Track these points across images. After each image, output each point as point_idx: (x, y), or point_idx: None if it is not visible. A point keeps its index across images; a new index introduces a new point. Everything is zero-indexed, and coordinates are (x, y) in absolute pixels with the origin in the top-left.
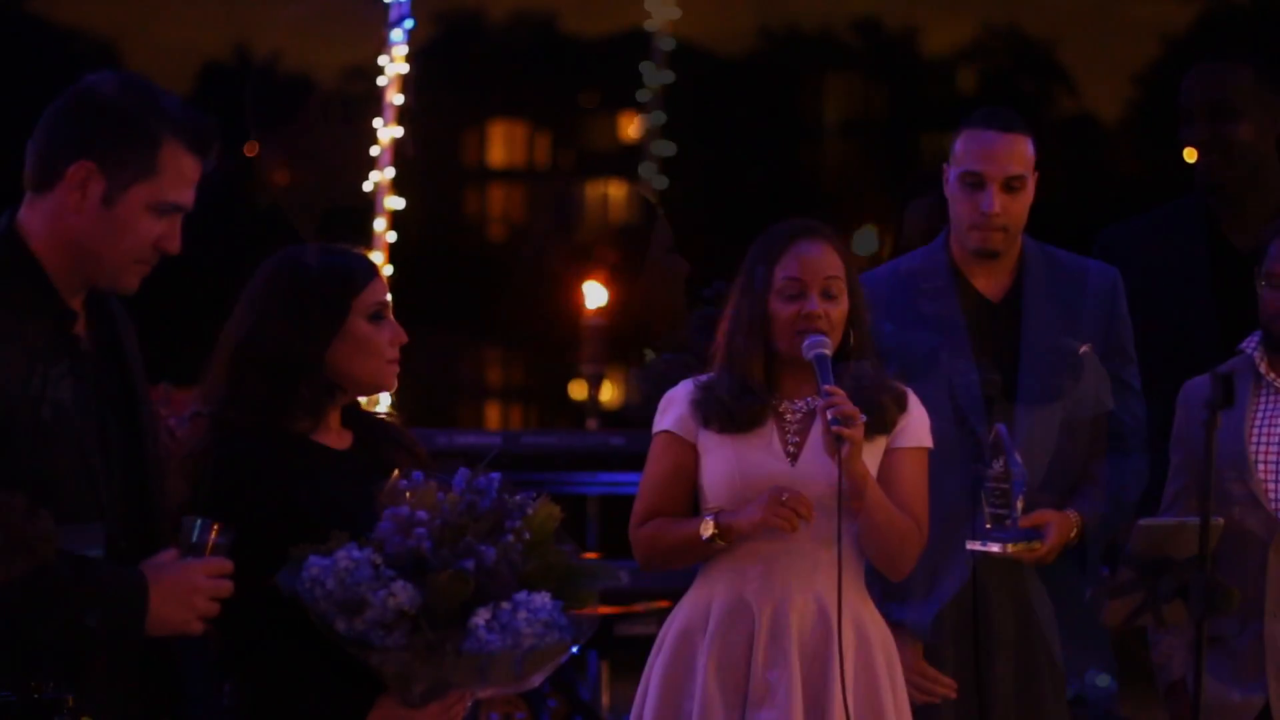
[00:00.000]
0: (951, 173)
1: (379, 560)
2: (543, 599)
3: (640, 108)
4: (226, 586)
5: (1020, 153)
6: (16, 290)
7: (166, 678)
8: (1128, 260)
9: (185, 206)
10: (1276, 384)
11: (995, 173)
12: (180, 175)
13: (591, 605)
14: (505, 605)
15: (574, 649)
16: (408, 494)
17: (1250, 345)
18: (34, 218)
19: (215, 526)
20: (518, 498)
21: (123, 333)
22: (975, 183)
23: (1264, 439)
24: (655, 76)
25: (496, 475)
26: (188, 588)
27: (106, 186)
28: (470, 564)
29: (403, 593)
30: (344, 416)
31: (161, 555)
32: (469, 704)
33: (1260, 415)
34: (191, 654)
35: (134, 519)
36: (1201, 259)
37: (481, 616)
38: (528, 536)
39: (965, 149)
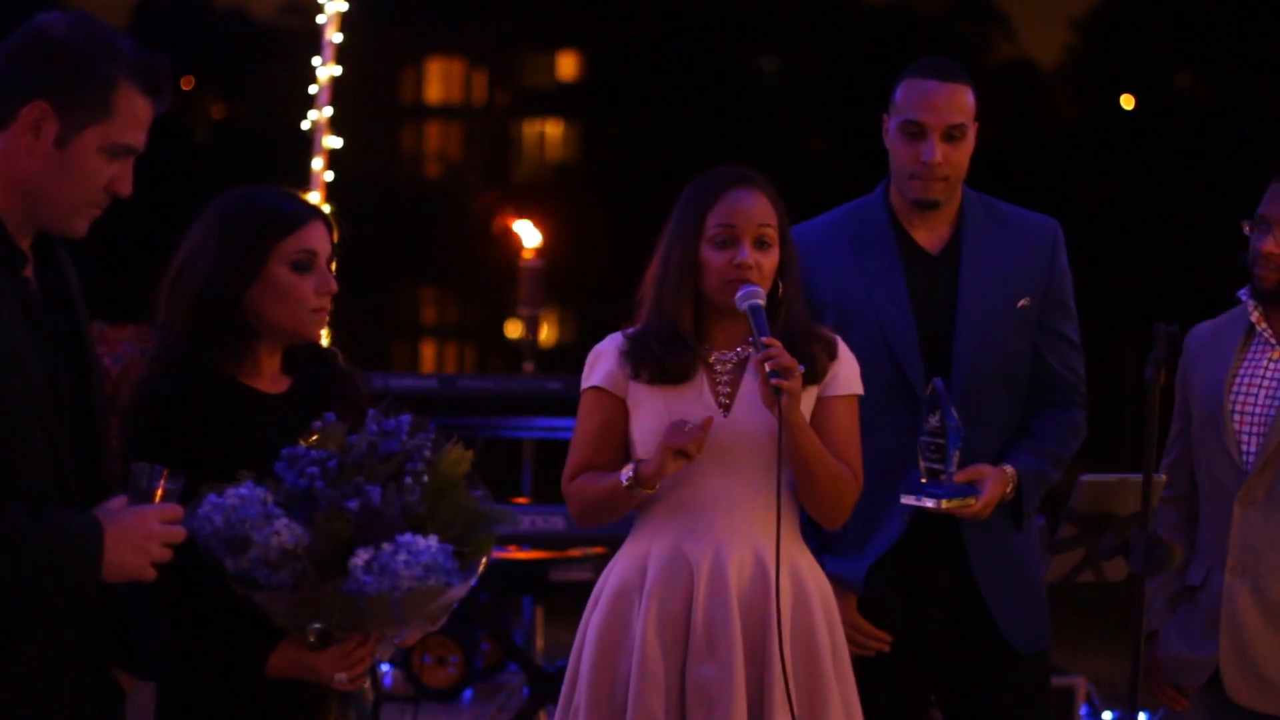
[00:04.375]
0: (891, 122)
1: (269, 498)
2: (428, 542)
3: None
4: (179, 533)
5: (961, 102)
6: None
7: (115, 621)
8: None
9: (138, 149)
10: (1266, 335)
11: (936, 122)
12: (134, 117)
13: (488, 550)
14: (386, 547)
15: (460, 593)
16: (315, 434)
17: (1246, 293)
18: None
19: (165, 473)
20: (418, 439)
21: (68, 276)
22: (916, 132)
23: (1243, 389)
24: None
25: (407, 417)
26: (142, 534)
27: (60, 128)
28: (355, 504)
29: (286, 531)
30: (285, 361)
31: (112, 502)
32: (379, 651)
33: (1245, 366)
34: (137, 596)
35: (84, 463)
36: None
37: (361, 557)
38: (426, 480)
39: (905, 98)
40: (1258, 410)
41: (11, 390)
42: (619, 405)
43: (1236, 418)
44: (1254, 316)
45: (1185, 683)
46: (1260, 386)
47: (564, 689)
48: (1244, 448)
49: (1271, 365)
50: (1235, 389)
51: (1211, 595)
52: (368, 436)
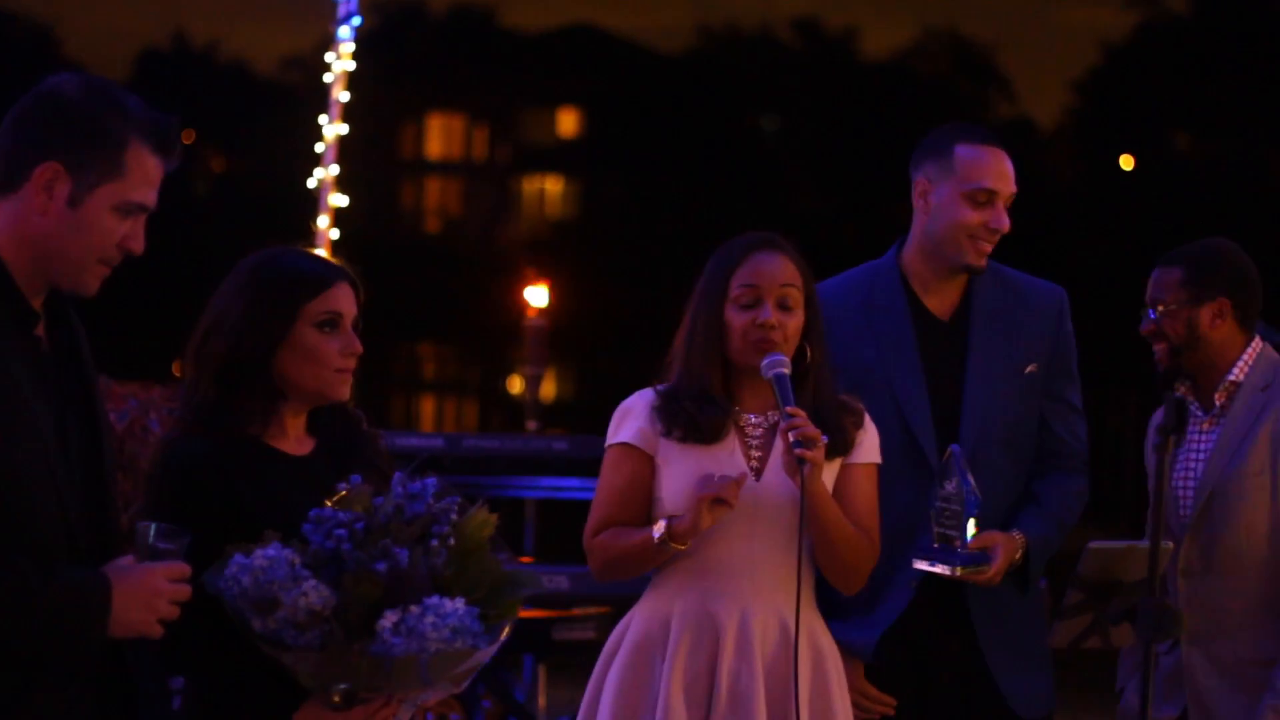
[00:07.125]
0: (947, 187)
1: (296, 560)
2: (455, 604)
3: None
4: (186, 590)
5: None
6: None
7: (120, 677)
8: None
9: (149, 207)
10: (1194, 408)
11: (1005, 189)
12: (145, 176)
13: (514, 613)
14: (414, 609)
15: (486, 655)
16: (340, 495)
17: None
18: None
19: (170, 530)
20: (444, 502)
21: (78, 334)
22: (987, 200)
23: (1183, 463)
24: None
25: (433, 480)
26: (150, 591)
27: (73, 187)
28: (383, 566)
29: (314, 593)
30: (310, 423)
31: (121, 559)
32: (403, 713)
33: (1186, 442)
34: (141, 653)
35: (93, 520)
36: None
37: (389, 619)
38: (452, 543)
39: (973, 167)
40: (1190, 484)
41: (22, 447)
42: (647, 462)
43: (1180, 492)
44: (1181, 390)
45: None
46: (1197, 460)
47: None
48: (1184, 521)
49: (1202, 437)
50: (1178, 463)
51: (1172, 659)
52: (394, 499)
